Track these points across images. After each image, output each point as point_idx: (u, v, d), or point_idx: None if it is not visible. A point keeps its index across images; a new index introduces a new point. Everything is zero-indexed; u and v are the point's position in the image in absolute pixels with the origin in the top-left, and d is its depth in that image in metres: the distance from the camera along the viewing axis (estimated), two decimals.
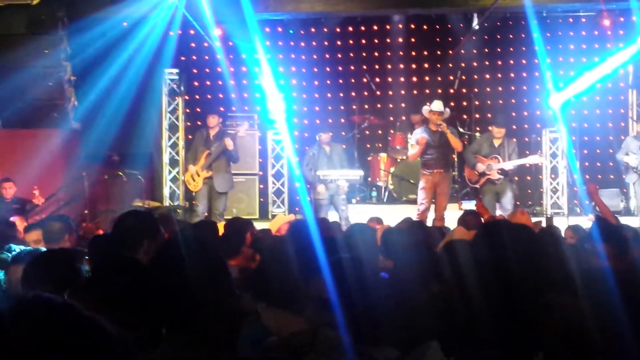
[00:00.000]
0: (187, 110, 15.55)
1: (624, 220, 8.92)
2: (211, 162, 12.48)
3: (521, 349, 2.85)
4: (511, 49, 16.44)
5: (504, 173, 12.67)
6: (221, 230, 6.76)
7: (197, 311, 2.65)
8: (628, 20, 14.39)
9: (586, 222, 9.18)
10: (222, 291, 2.72)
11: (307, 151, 13.22)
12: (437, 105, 12.19)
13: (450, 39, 16.16)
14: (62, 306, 1.69)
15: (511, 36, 16.29)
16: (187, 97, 15.51)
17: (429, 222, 11.39)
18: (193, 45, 15.72)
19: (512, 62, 16.55)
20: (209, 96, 16.00)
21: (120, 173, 13.51)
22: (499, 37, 16.39)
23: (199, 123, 14.21)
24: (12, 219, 9.10)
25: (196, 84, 15.97)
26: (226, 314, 2.68)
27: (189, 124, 15.46)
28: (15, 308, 1.67)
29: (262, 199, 14.97)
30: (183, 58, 15.63)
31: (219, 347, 2.64)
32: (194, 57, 15.98)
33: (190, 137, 14.90)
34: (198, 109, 15.65)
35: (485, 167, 12.55)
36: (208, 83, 16.16)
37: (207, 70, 16.00)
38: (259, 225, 9.10)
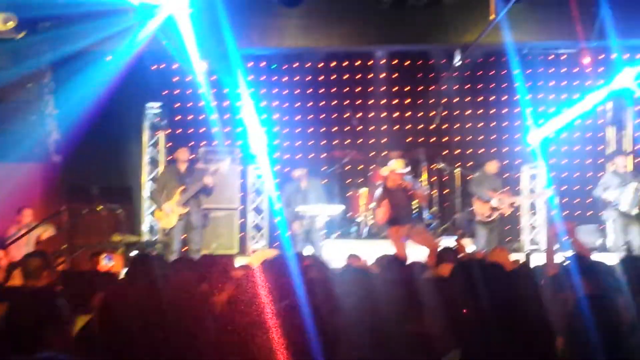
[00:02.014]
0: (169, 144, 15.51)
1: (600, 256, 8.96)
2: (188, 199, 12.36)
3: None
4: (492, 85, 16.55)
5: (513, 207, 13.50)
6: None
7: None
8: (607, 58, 14.54)
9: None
10: None
11: (286, 187, 13.24)
12: (399, 165, 11.64)
13: (432, 75, 16.27)
14: None
15: (492, 72, 16.39)
16: (168, 131, 15.49)
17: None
18: (176, 79, 15.73)
19: (493, 98, 16.65)
20: (190, 130, 15.98)
21: (99, 207, 13.45)
22: (480, 73, 16.49)
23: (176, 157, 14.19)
24: None
25: (178, 117, 15.95)
26: None
27: (170, 158, 15.43)
28: None
29: (241, 234, 14.92)
30: (166, 92, 15.65)
31: None
32: (177, 91, 15.99)
33: None
34: (179, 143, 15.58)
35: (498, 202, 12.90)
36: (190, 117, 16.15)
37: (190, 104, 15.99)
38: (238, 261, 9.05)
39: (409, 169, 11.94)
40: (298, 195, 12.97)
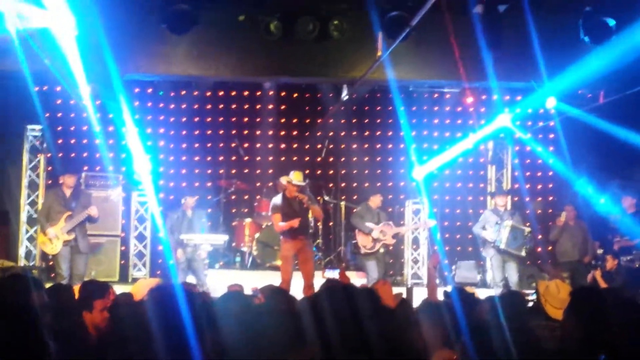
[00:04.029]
0: (49, 168, 15.09)
1: (480, 292, 9.16)
2: (75, 226, 12.01)
3: None
4: (378, 121, 16.83)
5: (396, 238, 13.83)
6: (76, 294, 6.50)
7: None
8: (489, 99, 14.98)
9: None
10: None
11: (170, 215, 13.03)
12: (297, 177, 11.81)
13: (319, 108, 16.41)
14: None
15: (379, 108, 16.68)
16: (49, 155, 15.07)
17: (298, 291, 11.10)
18: (59, 102, 15.37)
19: (378, 133, 16.92)
20: (72, 154, 15.60)
21: None
22: (367, 108, 16.77)
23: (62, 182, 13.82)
24: None
25: (60, 141, 15.55)
26: None
27: (50, 182, 15.01)
28: None
29: (122, 262, 14.62)
30: (48, 114, 15.22)
31: None
32: (60, 114, 15.60)
33: None
34: (61, 167, 15.13)
35: (380, 233, 13.09)
36: (73, 141, 15.78)
37: (73, 128, 15.63)
38: (118, 289, 8.84)
39: (307, 182, 12.05)
40: (183, 223, 12.82)
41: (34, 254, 14.55)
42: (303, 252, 11.78)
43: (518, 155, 15.89)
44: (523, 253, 13.25)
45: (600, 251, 13.58)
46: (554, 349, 4.89)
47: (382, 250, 13.66)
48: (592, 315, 4.67)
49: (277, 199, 11.91)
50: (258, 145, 16.67)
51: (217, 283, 12.37)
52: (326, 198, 15.56)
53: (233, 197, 16.01)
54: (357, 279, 12.80)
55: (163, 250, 12.87)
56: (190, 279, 12.41)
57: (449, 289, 6.47)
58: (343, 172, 16.37)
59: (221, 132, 16.62)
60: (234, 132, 16.51)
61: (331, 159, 16.55)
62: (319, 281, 10.63)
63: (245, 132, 16.70)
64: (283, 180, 12.09)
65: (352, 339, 3.30)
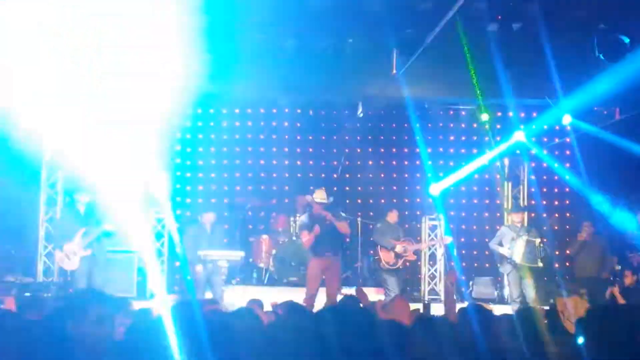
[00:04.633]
0: (67, 185, 15.15)
1: (497, 308, 9.15)
2: (91, 241, 12.08)
3: None
4: (394, 137, 16.87)
5: (416, 254, 14.04)
6: None
7: None
8: (505, 116, 14.99)
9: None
10: None
11: (189, 230, 13.08)
12: (319, 195, 12.11)
13: (335, 125, 16.45)
14: None
15: (394, 125, 16.71)
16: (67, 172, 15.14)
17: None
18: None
19: (394, 150, 16.96)
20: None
21: None
22: (382, 125, 16.79)
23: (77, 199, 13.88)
24: None
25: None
26: None
27: (68, 199, 15.08)
28: None
29: (139, 278, 14.65)
30: None
31: None
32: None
33: None
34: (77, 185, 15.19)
35: (402, 249, 13.17)
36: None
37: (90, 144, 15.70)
38: (136, 305, 8.88)
39: (331, 199, 12.15)
40: (203, 238, 12.89)
41: (53, 270, 14.59)
42: (329, 269, 12.00)
43: (534, 172, 15.89)
44: (540, 264, 13.23)
45: (618, 267, 13.54)
46: None
47: (402, 266, 13.69)
48: (610, 333, 4.68)
49: (304, 218, 12.27)
50: (274, 162, 16.71)
51: (234, 299, 12.37)
52: (342, 214, 15.58)
53: (249, 213, 16.04)
54: (375, 295, 12.80)
55: (180, 266, 12.90)
56: (208, 295, 12.45)
57: (465, 305, 6.49)
58: (359, 188, 16.42)
59: (237, 149, 16.69)
60: (250, 149, 16.58)
61: (347, 176, 16.59)
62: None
63: (262, 149, 16.76)
64: (307, 198, 12.26)
65: (369, 355, 3.34)
